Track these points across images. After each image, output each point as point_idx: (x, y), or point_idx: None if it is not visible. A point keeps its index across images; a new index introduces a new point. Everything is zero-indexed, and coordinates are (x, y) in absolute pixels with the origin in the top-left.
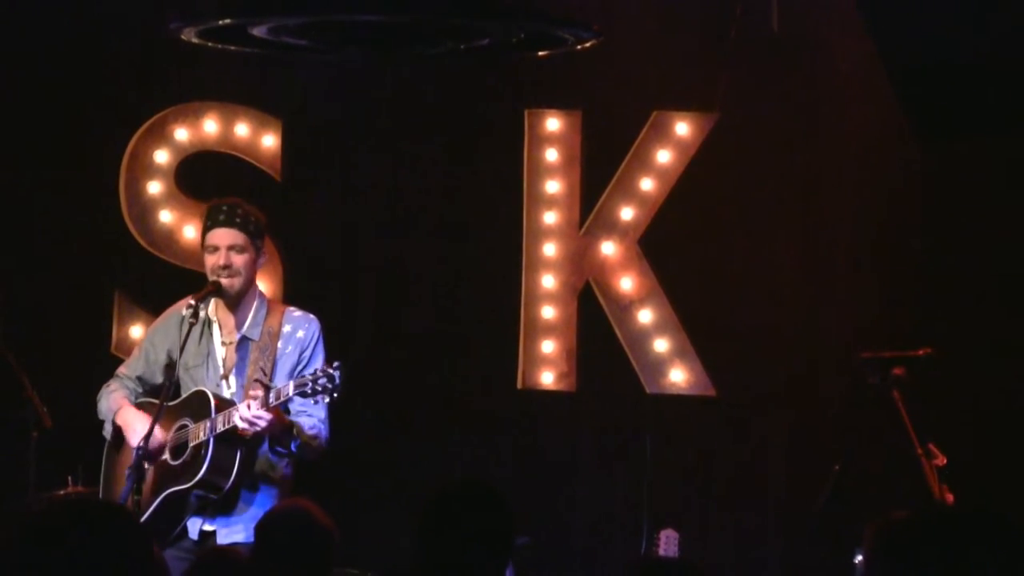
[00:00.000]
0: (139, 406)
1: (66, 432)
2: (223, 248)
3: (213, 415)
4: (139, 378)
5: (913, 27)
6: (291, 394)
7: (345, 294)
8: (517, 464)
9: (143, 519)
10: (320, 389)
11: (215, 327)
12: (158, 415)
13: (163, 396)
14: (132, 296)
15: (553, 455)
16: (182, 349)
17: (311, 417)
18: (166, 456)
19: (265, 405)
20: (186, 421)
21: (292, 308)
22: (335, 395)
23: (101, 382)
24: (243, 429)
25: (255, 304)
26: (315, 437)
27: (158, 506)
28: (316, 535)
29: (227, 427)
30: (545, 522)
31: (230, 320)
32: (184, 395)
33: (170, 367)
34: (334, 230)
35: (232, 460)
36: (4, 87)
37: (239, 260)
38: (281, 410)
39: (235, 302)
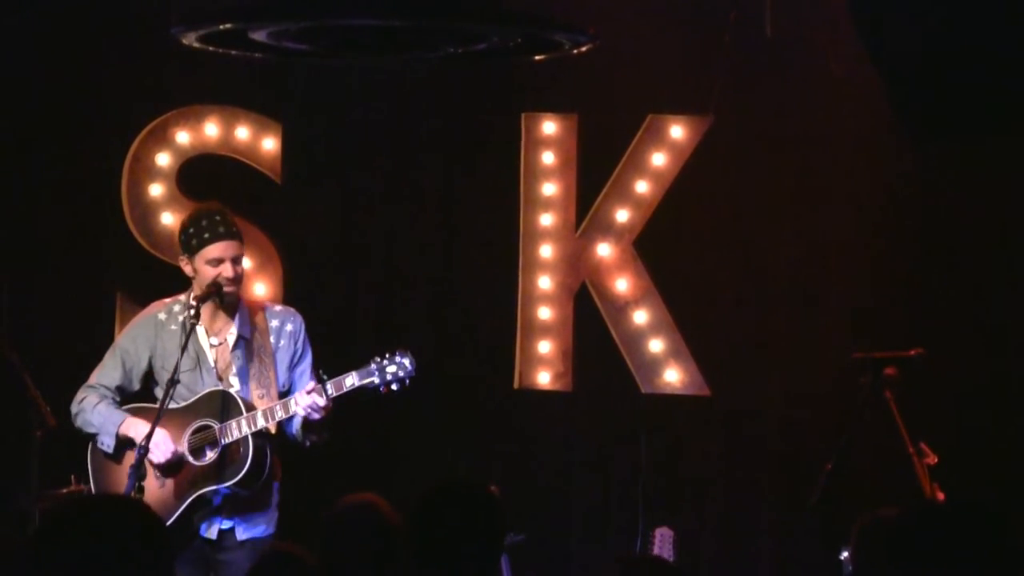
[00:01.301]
0: (135, 413)
1: (69, 431)
2: (228, 260)
3: (245, 413)
4: (119, 387)
5: (904, 29)
6: (356, 384)
7: (344, 295)
8: (514, 462)
9: (170, 522)
10: (390, 379)
11: (199, 330)
12: (158, 417)
13: (163, 400)
14: (134, 297)
15: (549, 454)
16: (183, 350)
17: None
18: (188, 458)
19: (324, 395)
20: (208, 421)
21: (270, 303)
22: (407, 384)
23: None
24: (306, 414)
25: (238, 303)
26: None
27: (187, 508)
28: (385, 529)
29: (273, 421)
30: (541, 520)
31: (216, 322)
32: (182, 400)
33: (175, 370)
34: (333, 232)
35: (265, 456)
36: (7, 90)
37: (240, 269)
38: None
39: (227, 306)
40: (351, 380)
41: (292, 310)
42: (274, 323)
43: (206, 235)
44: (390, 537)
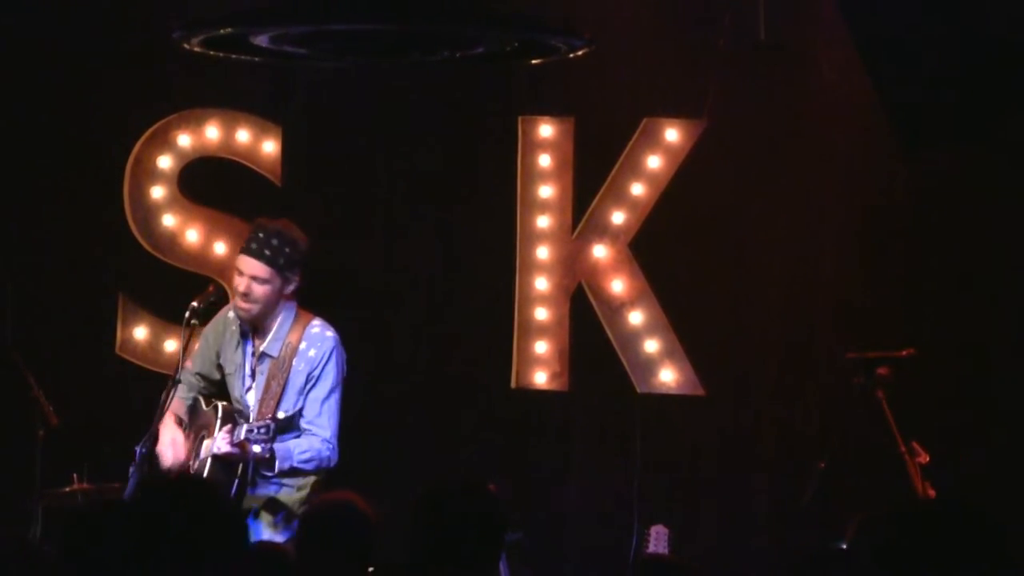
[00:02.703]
0: (191, 409)
1: (72, 430)
2: (246, 276)
3: (215, 433)
4: (199, 374)
5: (896, 33)
6: (242, 437)
7: (343, 296)
8: (511, 461)
9: None
10: (255, 440)
11: (249, 337)
12: (158, 418)
13: (165, 399)
14: (136, 298)
15: (546, 453)
16: (184, 351)
17: (314, 437)
18: (191, 463)
19: (233, 443)
20: (204, 433)
21: (315, 323)
22: (265, 445)
23: (106, 381)
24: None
25: (280, 318)
26: (308, 460)
27: None
28: (359, 524)
29: (218, 451)
30: (538, 518)
31: (259, 333)
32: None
33: (175, 372)
34: (332, 234)
35: (231, 479)
36: (11, 95)
37: (258, 291)
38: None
39: (259, 321)
40: (241, 432)
41: (327, 334)
42: (303, 346)
43: (242, 245)
44: (368, 534)
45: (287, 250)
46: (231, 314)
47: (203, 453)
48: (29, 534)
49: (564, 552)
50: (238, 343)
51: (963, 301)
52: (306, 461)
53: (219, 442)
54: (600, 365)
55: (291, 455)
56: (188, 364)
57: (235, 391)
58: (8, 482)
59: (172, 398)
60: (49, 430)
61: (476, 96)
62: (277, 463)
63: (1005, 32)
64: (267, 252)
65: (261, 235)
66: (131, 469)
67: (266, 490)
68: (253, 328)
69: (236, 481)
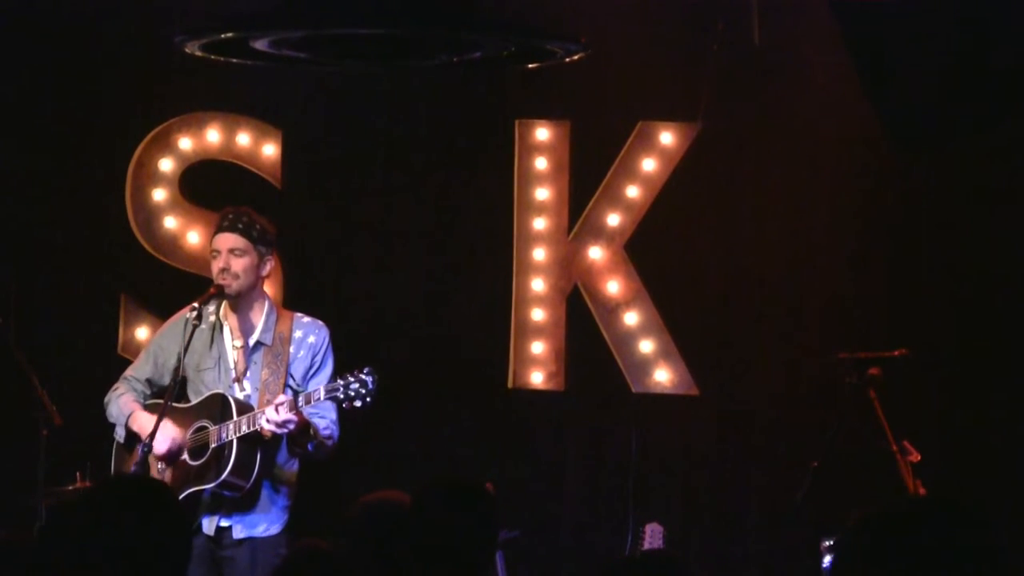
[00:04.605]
0: (149, 408)
1: (75, 430)
2: (223, 251)
3: (236, 417)
4: (148, 380)
5: (887, 36)
6: (322, 398)
7: (341, 297)
8: (508, 460)
9: None
10: (353, 395)
11: (226, 330)
12: (162, 414)
13: (168, 396)
14: (138, 299)
15: (542, 452)
16: (186, 350)
17: (323, 419)
18: (185, 457)
19: (294, 408)
20: (205, 423)
21: (300, 314)
22: (368, 400)
23: (109, 381)
24: (270, 431)
25: (265, 309)
26: (328, 437)
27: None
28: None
29: (252, 429)
30: (534, 517)
31: (243, 325)
32: (198, 398)
33: (177, 369)
34: (332, 235)
35: (253, 460)
36: (13, 98)
37: (238, 263)
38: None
39: (241, 305)
40: (318, 394)
41: (319, 323)
42: (298, 334)
43: (214, 230)
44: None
45: (258, 226)
46: (190, 314)
47: (218, 439)
48: (32, 533)
49: (560, 550)
50: (211, 338)
51: (955, 301)
52: (327, 438)
53: (275, 413)
54: (596, 365)
55: (319, 429)
56: (131, 372)
57: (216, 384)
58: (11, 481)
59: (174, 396)
60: (52, 429)
61: (473, 100)
62: (312, 432)
63: (997, 34)
64: (240, 226)
65: (231, 215)
66: (134, 467)
67: (288, 466)
68: (235, 320)
69: (258, 465)
